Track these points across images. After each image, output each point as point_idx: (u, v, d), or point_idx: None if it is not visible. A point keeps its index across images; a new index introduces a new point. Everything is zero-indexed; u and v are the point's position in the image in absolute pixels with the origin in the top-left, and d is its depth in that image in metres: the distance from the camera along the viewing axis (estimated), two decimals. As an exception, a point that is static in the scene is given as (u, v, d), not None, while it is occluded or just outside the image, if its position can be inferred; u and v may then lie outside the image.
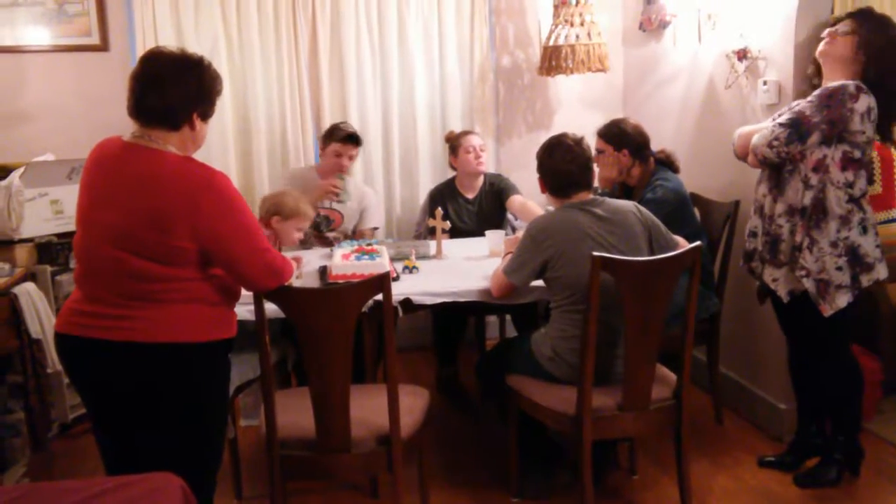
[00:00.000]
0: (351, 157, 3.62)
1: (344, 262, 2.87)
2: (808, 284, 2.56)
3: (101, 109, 3.82)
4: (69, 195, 3.31)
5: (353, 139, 3.61)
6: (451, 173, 4.09)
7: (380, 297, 2.18)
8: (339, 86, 4.08)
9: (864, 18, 2.55)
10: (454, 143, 3.81)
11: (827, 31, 2.62)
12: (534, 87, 4.35)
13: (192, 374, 1.93)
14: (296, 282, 2.79)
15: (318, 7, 3.97)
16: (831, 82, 2.53)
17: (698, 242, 2.45)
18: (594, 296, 2.34)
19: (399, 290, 2.68)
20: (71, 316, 1.92)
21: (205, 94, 1.96)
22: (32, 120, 3.85)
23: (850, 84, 2.48)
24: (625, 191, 3.28)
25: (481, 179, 3.86)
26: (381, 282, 2.13)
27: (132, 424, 1.95)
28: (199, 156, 4.02)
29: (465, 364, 3.81)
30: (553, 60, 3.98)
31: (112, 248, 1.85)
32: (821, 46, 2.61)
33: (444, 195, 3.86)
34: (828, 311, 2.57)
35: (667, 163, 3.23)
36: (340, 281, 2.78)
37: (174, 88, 1.88)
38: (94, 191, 1.91)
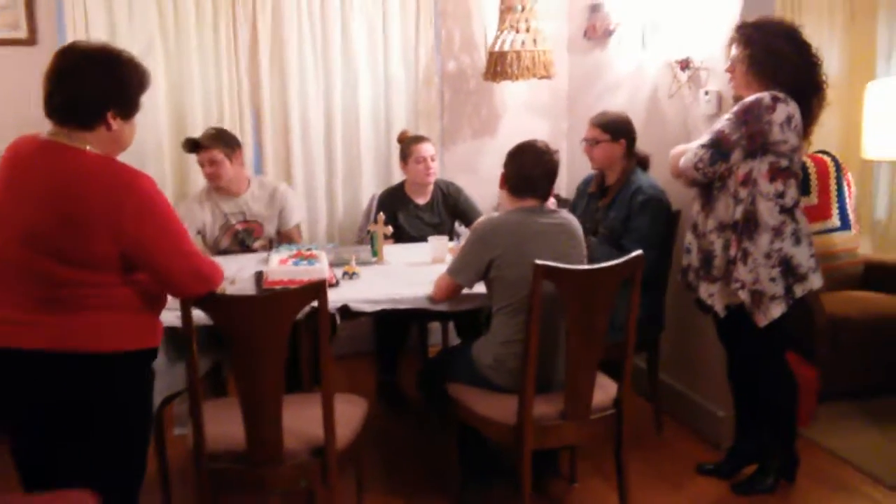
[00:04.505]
0: (213, 163, 3.35)
1: (281, 266, 2.78)
2: (744, 296, 2.58)
3: (26, 106, 3.62)
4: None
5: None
6: (396, 176, 4.03)
7: (316, 303, 2.11)
8: (280, 85, 3.98)
9: (743, 35, 2.57)
10: (405, 150, 3.74)
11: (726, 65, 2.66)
12: (479, 91, 4.32)
13: (111, 386, 1.82)
14: (230, 288, 2.70)
15: (258, 4, 3.87)
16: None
17: (639, 252, 2.44)
18: (536, 304, 2.31)
19: (338, 297, 2.61)
20: None
21: (120, 90, 1.83)
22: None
23: (766, 96, 2.50)
24: (600, 188, 3.29)
25: (433, 186, 3.80)
26: (317, 288, 2.06)
27: (48, 438, 1.84)
28: (131, 156, 3.87)
29: (407, 371, 3.75)
30: (498, 66, 3.96)
31: (26, 249, 1.74)
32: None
33: (393, 200, 3.79)
34: (762, 321, 2.59)
35: (644, 164, 3.26)
36: (276, 287, 2.70)
37: (83, 84, 1.78)
38: (8, 190, 1.79)
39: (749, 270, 2.55)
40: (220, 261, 3.21)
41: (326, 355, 2.13)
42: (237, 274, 2.88)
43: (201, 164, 3.38)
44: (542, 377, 2.44)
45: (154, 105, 3.78)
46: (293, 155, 4.02)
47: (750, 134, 2.49)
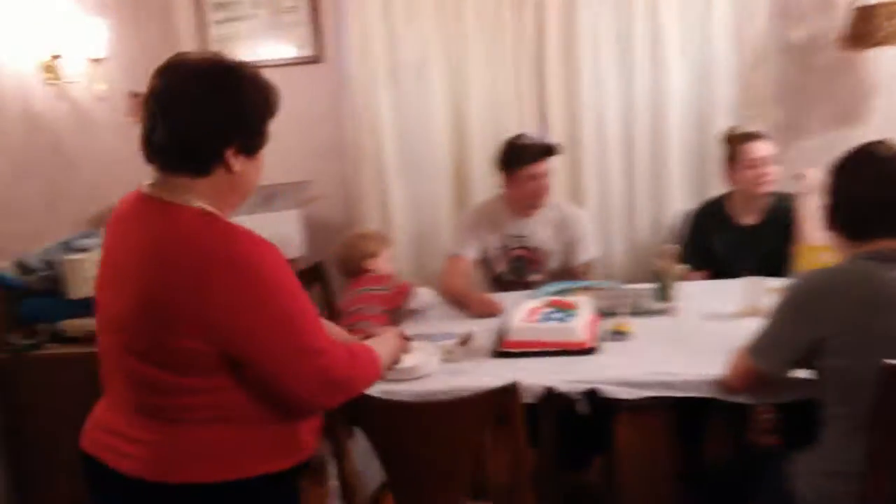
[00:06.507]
0: (545, 175, 2.81)
1: (526, 323, 2.16)
2: None
3: (313, 128, 3.54)
4: (261, 224, 3.06)
5: (549, 150, 2.83)
6: (714, 188, 3.14)
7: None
8: (570, 75, 3.31)
9: None
10: (732, 152, 2.85)
11: None
12: (836, 66, 3.18)
13: None
14: (459, 350, 2.15)
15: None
16: None
17: None
18: (884, 424, 1.37)
19: (585, 373, 1.91)
20: (91, 429, 1.46)
21: (242, 117, 1.37)
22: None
23: None
24: None
25: (766, 200, 2.86)
26: (506, 398, 1.39)
27: None
28: (404, 175, 3.47)
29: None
30: (866, 26, 2.83)
31: (116, 345, 1.38)
32: None
33: (708, 219, 2.94)
34: None
35: None
36: (516, 350, 2.10)
37: (192, 114, 1.33)
38: (103, 264, 1.44)
39: None
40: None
41: (523, 484, 1.46)
42: (480, 328, 2.32)
43: (534, 178, 2.82)
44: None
45: (430, 118, 3.41)
46: (584, 161, 3.35)
47: None
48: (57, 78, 3.46)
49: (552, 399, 1.82)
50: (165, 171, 1.37)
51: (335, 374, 1.38)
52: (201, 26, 3.58)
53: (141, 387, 1.35)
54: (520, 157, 2.83)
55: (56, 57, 3.44)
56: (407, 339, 1.80)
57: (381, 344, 1.62)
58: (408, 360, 1.93)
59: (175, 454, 1.34)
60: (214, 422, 1.35)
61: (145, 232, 1.35)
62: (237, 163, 1.37)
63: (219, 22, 3.61)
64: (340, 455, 1.53)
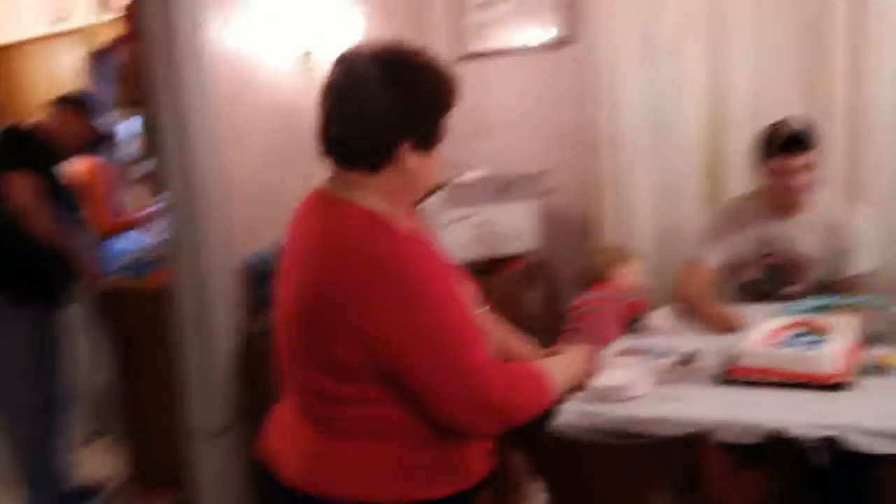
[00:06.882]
0: (807, 167, 2.34)
1: (763, 346, 1.84)
2: None
3: (557, 116, 3.39)
4: (495, 215, 3.03)
5: (799, 142, 2.35)
6: None
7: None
8: (860, 46, 2.78)
9: None
10: None
11: None
12: None
13: None
14: (682, 370, 1.89)
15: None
16: None
17: None
18: None
19: (832, 415, 1.57)
20: (268, 431, 1.45)
21: (417, 110, 1.27)
22: (487, 131, 3.52)
23: None
24: None
25: None
26: (698, 444, 1.15)
27: None
28: (660, 165, 3.22)
29: None
30: None
31: (283, 343, 1.36)
32: None
33: None
34: None
35: None
36: (746, 378, 1.79)
37: (364, 107, 1.25)
38: (281, 263, 1.41)
39: None
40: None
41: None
42: (710, 347, 2.01)
43: (780, 173, 2.41)
44: None
45: (683, 99, 3.08)
46: (868, 152, 2.82)
47: None
48: (312, 70, 3.60)
49: (780, 444, 1.52)
50: (341, 166, 1.32)
51: (489, 397, 1.24)
52: (457, 13, 3.57)
53: (304, 390, 1.33)
54: (770, 146, 2.43)
55: (310, 50, 3.56)
56: (602, 357, 1.60)
57: (562, 364, 1.44)
58: (617, 379, 1.74)
59: (329, 466, 1.29)
60: (371, 436, 1.28)
61: (312, 230, 1.32)
62: (411, 159, 1.29)
63: (476, 7, 3.56)
64: (501, 495, 1.39)
